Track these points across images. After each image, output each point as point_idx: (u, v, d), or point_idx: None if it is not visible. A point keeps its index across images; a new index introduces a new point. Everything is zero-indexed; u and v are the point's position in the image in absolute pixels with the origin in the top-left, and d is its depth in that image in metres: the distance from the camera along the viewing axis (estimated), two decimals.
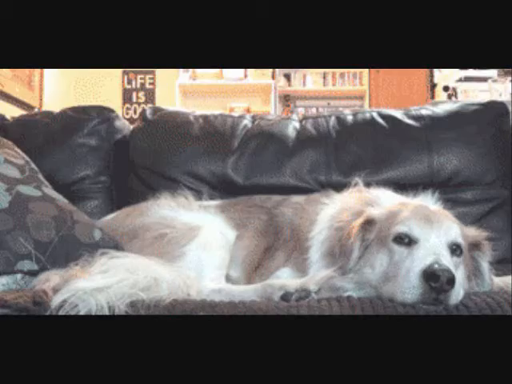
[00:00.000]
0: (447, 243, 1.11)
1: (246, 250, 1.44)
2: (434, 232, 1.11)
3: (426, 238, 1.09)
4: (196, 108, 2.18)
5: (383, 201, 1.31)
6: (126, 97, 6.10)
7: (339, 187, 1.51)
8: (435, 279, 0.99)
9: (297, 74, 6.53)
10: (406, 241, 1.11)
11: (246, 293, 1.19)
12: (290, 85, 6.56)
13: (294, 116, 2.05)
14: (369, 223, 1.20)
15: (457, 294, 1.02)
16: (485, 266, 1.20)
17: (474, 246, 1.20)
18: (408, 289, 1.02)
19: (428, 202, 1.33)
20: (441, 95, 5.70)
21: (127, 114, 6.01)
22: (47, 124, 1.98)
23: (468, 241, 1.18)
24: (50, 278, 1.12)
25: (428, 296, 1.00)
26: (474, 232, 1.23)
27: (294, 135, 1.91)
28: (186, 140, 1.92)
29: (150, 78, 6.11)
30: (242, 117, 2.03)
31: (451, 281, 0.99)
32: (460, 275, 1.11)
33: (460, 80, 5.63)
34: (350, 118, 1.94)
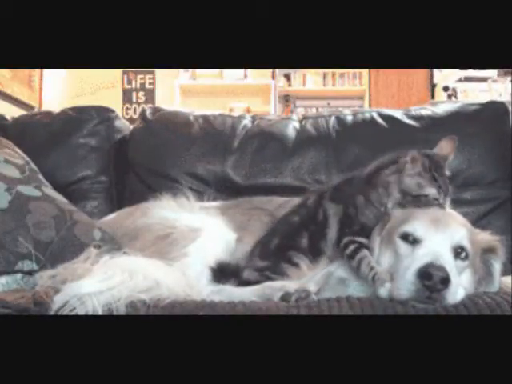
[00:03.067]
0: (451, 246, 1.11)
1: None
2: (439, 234, 1.11)
3: (430, 239, 1.11)
4: (196, 108, 2.18)
5: None
6: (126, 97, 6.10)
7: None
8: (428, 278, 1.01)
9: (297, 73, 6.54)
10: (411, 240, 1.12)
11: (245, 293, 1.19)
12: (289, 85, 6.57)
13: (294, 116, 2.05)
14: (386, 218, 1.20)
15: (453, 294, 1.03)
16: (497, 267, 1.20)
17: (488, 250, 1.20)
18: (403, 285, 1.04)
19: None
20: (441, 95, 5.71)
21: (127, 114, 6.01)
22: (47, 124, 1.98)
23: (481, 246, 1.18)
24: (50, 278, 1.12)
25: (422, 294, 1.02)
26: (487, 237, 1.22)
27: (294, 135, 1.91)
28: (186, 140, 1.92)
29: (149, 78, 6.11)
30: (241, 117, 2.03)
31: (445, 280, 1.01)
32: (464, 278, 1.12)
33: (460, 80, 5.64)
34: (349, 118, 1.94)
